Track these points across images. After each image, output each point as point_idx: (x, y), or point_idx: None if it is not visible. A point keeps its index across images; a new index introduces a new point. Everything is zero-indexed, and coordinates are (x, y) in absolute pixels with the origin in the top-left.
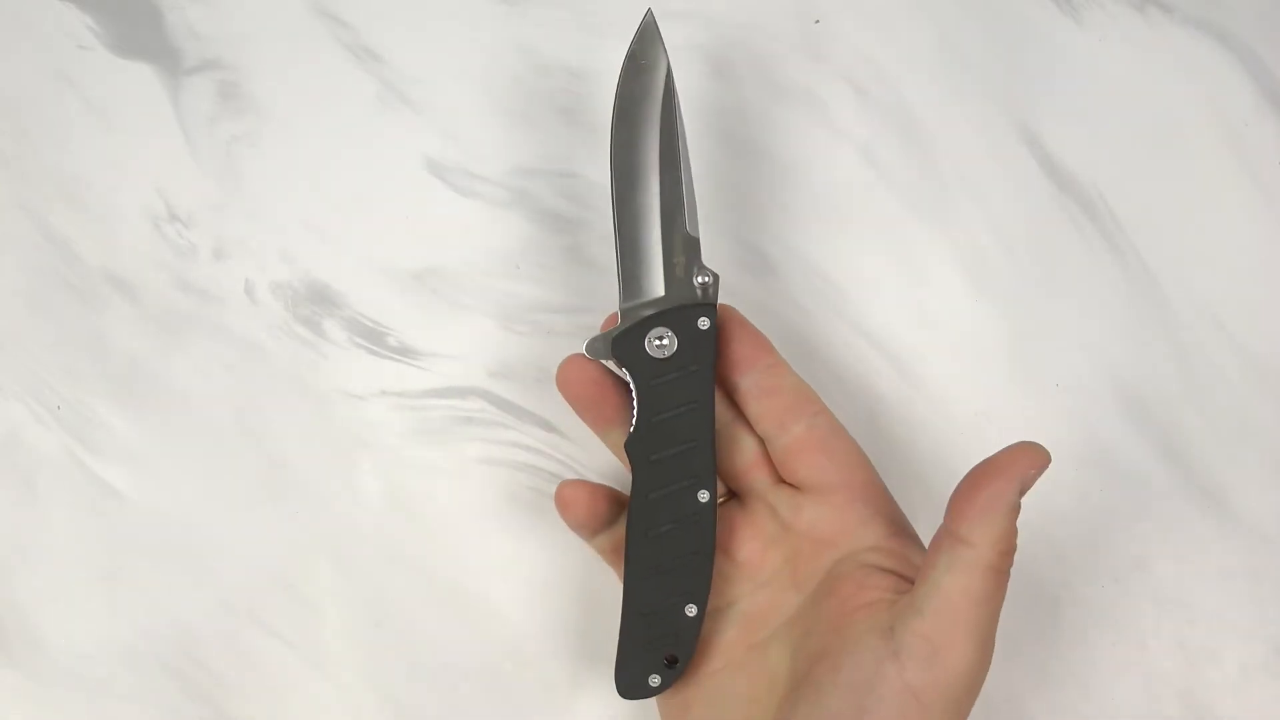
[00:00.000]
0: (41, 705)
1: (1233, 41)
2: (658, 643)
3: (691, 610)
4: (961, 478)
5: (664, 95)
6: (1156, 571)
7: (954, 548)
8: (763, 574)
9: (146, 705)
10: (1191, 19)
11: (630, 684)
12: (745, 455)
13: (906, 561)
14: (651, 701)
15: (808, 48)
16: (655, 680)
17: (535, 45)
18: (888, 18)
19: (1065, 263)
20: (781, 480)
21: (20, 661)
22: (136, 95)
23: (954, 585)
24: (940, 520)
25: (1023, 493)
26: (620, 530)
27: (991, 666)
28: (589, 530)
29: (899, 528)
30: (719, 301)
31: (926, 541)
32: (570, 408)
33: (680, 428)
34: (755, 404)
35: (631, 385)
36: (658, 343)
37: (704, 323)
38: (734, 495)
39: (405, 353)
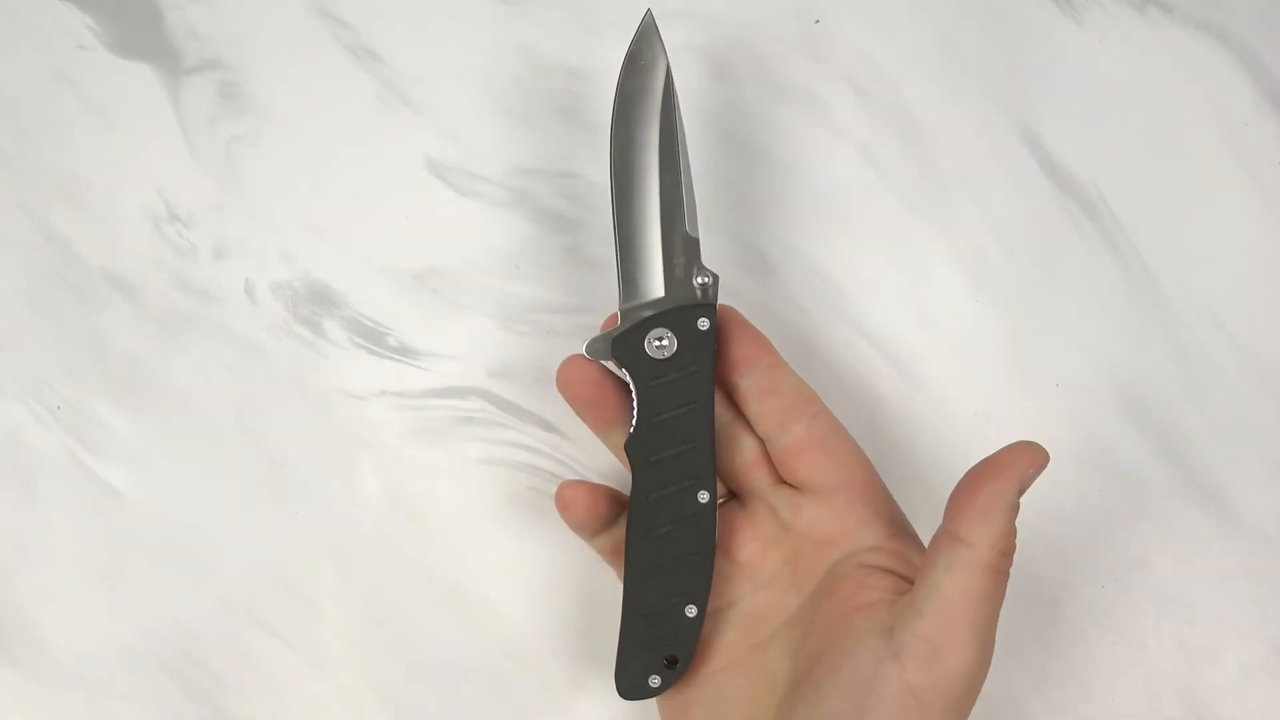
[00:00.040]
0: (41, 705)
1: (1233, 41)
2: (658, 643)
3: (691, 611)
4: (960, 477)
5: (663, 95)
6: (1156, 571)
7: (953, 548)
8: (763, 574)
9: (146, 705)
10: (1191, 19)
11: (630, 684)
12: (745, 456)
13: (906, 562)
14: (651, 702)
15: (808, 48)
16: (655, 681)
17: (535, 45)
18: (888, 18)
19: (1065, 263)
20: (781, 481)
21: (20, 661)
22: (136, 95)
23: (954, 585)
24: (940, 520)
25: (1021, 492)
26: (620, 531)
27: (991, 666)
28: (589, 531)
29: (899, 528)
30: (719, 302)
31: (926, 542)
32: (570, 408)
33: (680, 428)
34: (755, 404)
35: (631, 386)
36: (657, 343)
37: (704, 323)
38: (734, 496)
39: (405, 353)
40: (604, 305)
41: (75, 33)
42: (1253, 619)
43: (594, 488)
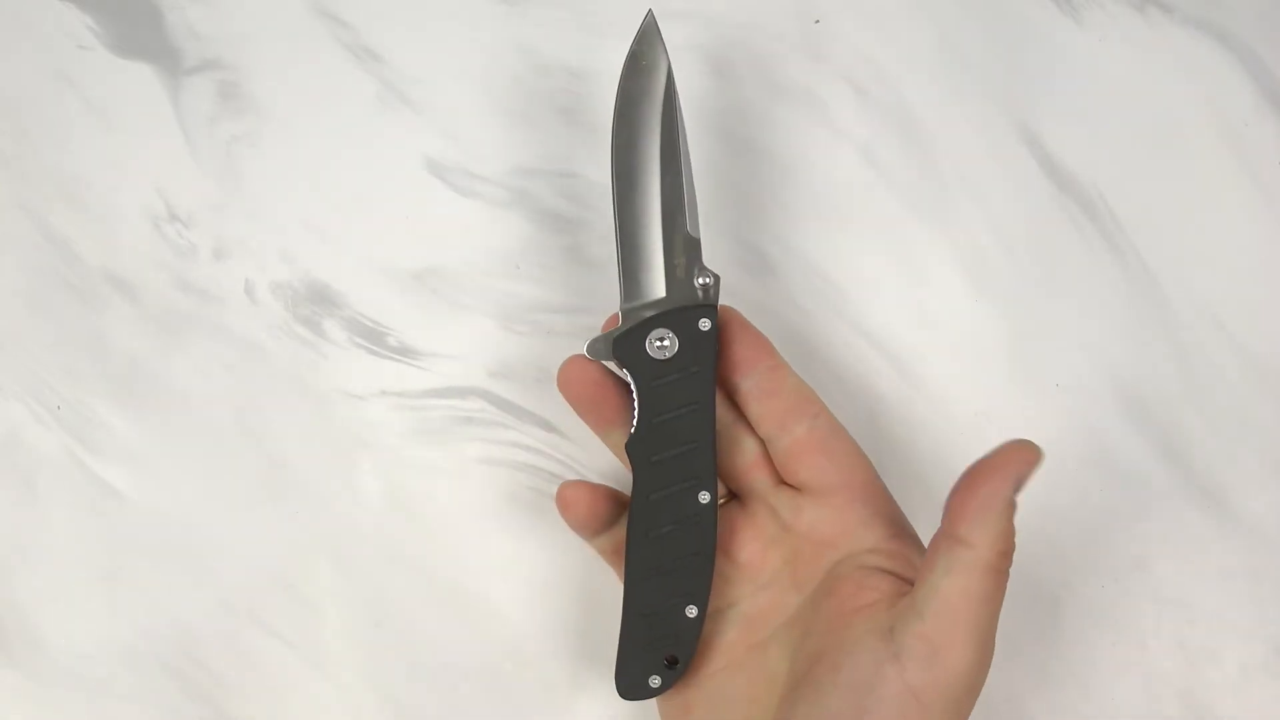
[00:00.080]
0: (41, 705)
1: (1233, 41)
2: (658, 644)
3: (692, 611)
4: (957, 479)
5: (665, 96)
6: (1156, 571)
7: (952, 549)
8: (763, 575)
9: (146, 705)
10: (1191, 19)
11: (630, 685)
12: (746, 456)
13: (906, 563)
14: (652, 702)
15: (808, 48)
16: (655, 681)
17: (535, 45)
18: (888, 18)
19: (1065, 263)
20: (782, 482)
21: (20, 661)
22: (136, 95)
23: (953, 586)
24: (940, 521)
25: (1018, 491)
26: (621, 530)
27: (991, 667)
28: (590, 531)
29: (899, 529)
30: (720, 302)
31: (926, 542)
32: (571, 408)
33: (681, 429)
34: (756, 405)
35: (632, 386)
36: (659, 344)
37: (705, 324)
38: (734, 496)
39: (405, 353)
40: (604, 305)
41: (75, 33)
42: (1253, 619)
43: (594, 487)
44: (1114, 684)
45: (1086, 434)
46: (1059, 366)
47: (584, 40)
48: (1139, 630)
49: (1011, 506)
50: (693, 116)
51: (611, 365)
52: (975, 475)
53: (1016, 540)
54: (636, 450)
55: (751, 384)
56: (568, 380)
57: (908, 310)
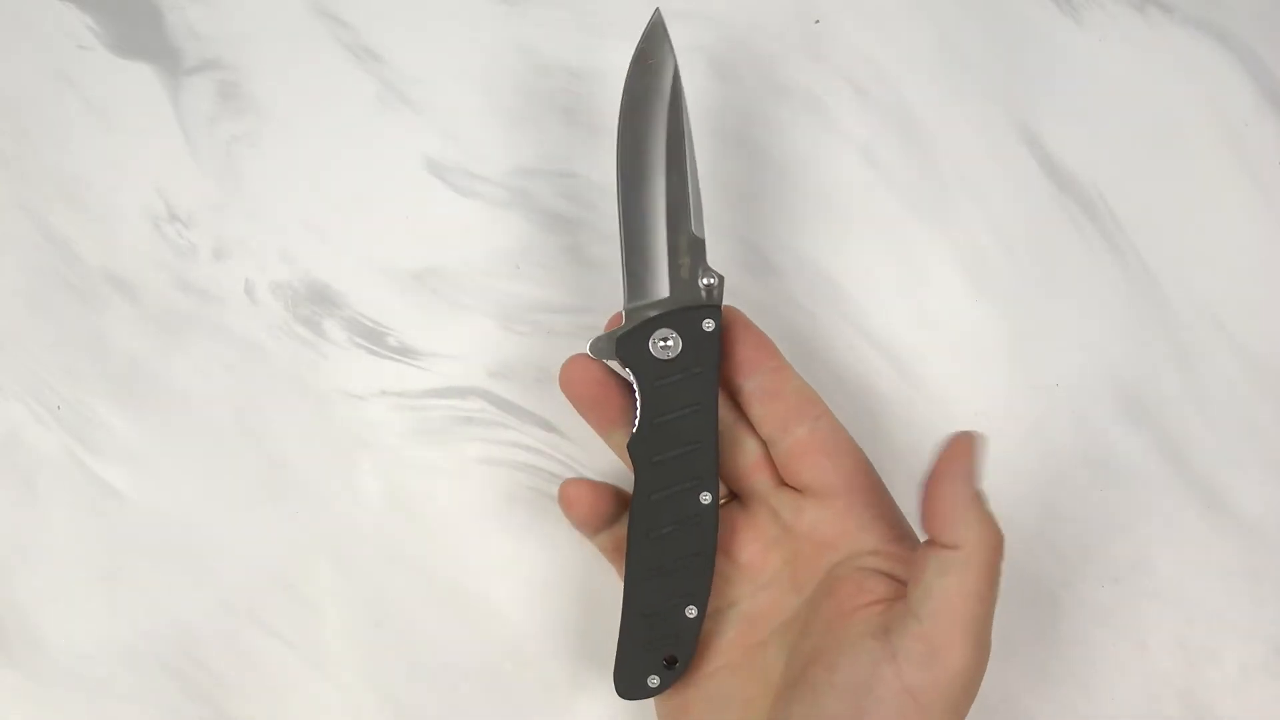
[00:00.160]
0: (41, 705)
1: (1233, 41)
2: (657, 644)
3: (692, 612)
4: (920, 496)
5: (671, 95)
6: (1156, 571)
7: (940, 554)
8: (763, 576)
9: (146, 705)
10: (1191, 19)
11: (629, 685)
12: (747, 457)
13: (906, 565)
14: (650, 701)
15: (808, 48)
16: (654, 681)
17: (535, 45)
18: (888, 18)
19: (1065, 263)
20: (783, 483)
21: (20, 661)
22: (136, 95)
23: (947, 586)
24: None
25: (978, 482)
26: (623, 528)
27: (990, 666)
28: (591, 528)
29: (900, 532)
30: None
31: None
32: (572, 407)
33: (683, 429)
34: (758, 406)
35: (635, 386)
36: (662, 344)
37: (709, 324)
38: (735, 497)
39: (405, 353)
40: (604, 305)
41: (75, 33)
42: (1253, 619)
43: (597, 485)
44: (1114, 684)
45: (1087, 434)
46: (1059, 366)
47: (584, 40)
48: (1139, 630)
49: (980, 498)
50: (692, 116)
51: (614, 364)
52: (933, 485)
53: (1016, 540)
54: (638, 450)
55: (754, 385)
56: (570, 379)
57: (908, 310)
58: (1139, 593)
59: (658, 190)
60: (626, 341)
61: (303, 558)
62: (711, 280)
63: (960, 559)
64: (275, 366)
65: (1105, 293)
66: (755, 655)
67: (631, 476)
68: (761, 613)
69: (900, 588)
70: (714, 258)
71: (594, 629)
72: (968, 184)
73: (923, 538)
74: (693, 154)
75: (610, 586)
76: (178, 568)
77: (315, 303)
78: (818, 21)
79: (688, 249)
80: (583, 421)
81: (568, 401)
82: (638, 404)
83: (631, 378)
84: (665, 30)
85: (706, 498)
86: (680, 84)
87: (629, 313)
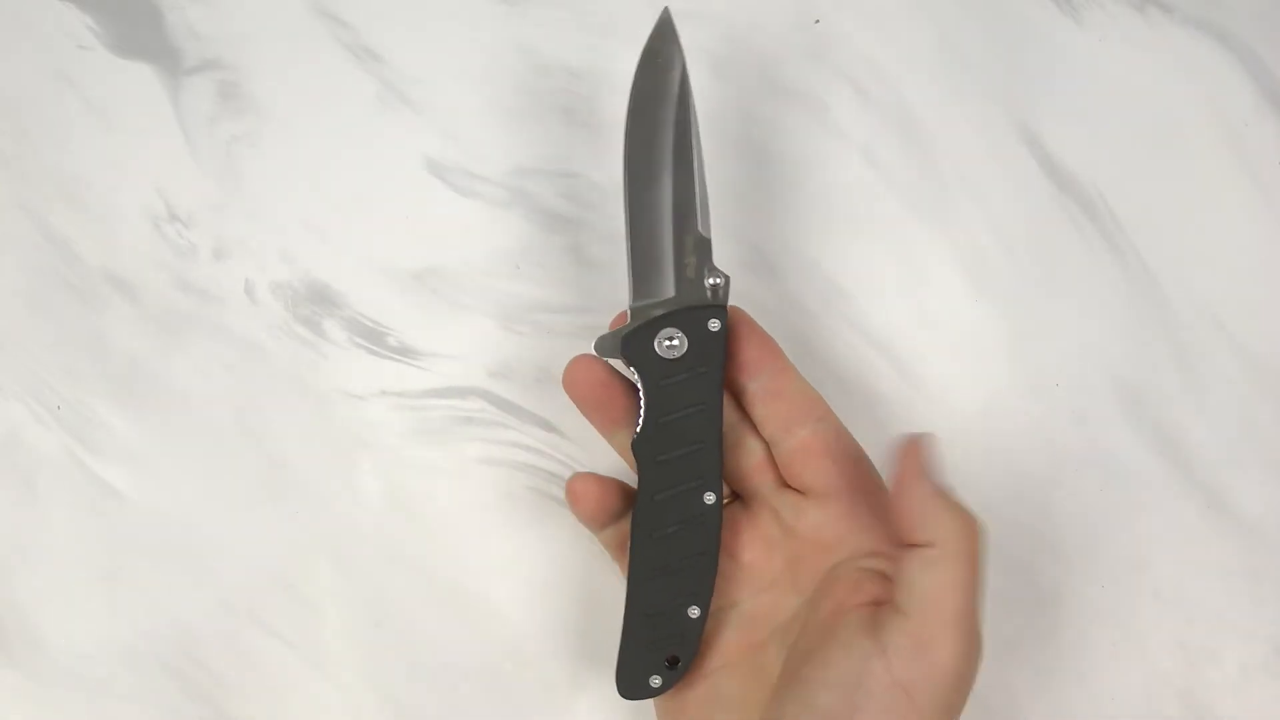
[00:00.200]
0: (41, 705)
1: (1233, 41)
2: (660, 644)
3: (694, 612)
4: (890, 505)
5: (679, 94)
6: (1156, 571)
7: (920, 553)
8: (765, 577)
9: (146, 705)
10: (1191, 19)
11: (631, 685)
12: (750, 458)
13: None
14: (650, 701)
15: (808, 48)
16: (656, 681)
17: (535, 45)
18: (888, 18)
19: (1065, 263)
20: (785, 484)
21: (20, 661)
22: (136, 95)
23: (930, 582)
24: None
25: (938, 476)
26: (628, 524)
27: (990, 666)
28: (598, 524)
29: None
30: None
31: None
32: (575, 408)
33: (688, 429)
34: (761, 407)
35: (639, 385)
36: (668, 343)
37: (715, 324)
38: (737, 497)
39: (405, 353)
40: (604, 305)
41: (75, 33)
42: (1253, 619)
43: (604, 480)
44: (1114, 684)
45: (1086, 434)
46: (1059, 366)
47: (584, 40)
48: (1139, 630)
49: (945, 493)
50: None
51: (618, 364)
52: (896, 491)
53: (1017, 540)
54: (642, 449)
55: (757, 385)
56: (573, 380)
57: (908, 310)
58: (1139, 593)
59: (665, 189)
60: (632, 340)
61: (303, 558)
62: (717, 280)
63: (938, 554)
64: (275, 366)
65: (1105, 293)
66: (755, 656)
67: (633, 476)
68: (762, 613)
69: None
70: (714, 257)
71: (594, 629)
72: (968, 184)
73: None
74: (700, 153)
75: (610, 586)
76: (178, 568)
77: (315, 303)
78: (818, 21)
79: (694, 248)
80: (583, 421)
81: (569, 401)
82: (642, 403)
83: (636, 377)
84: (674, 29)
85: (710, 498)
86: (689, 83)
87: (634, 311)
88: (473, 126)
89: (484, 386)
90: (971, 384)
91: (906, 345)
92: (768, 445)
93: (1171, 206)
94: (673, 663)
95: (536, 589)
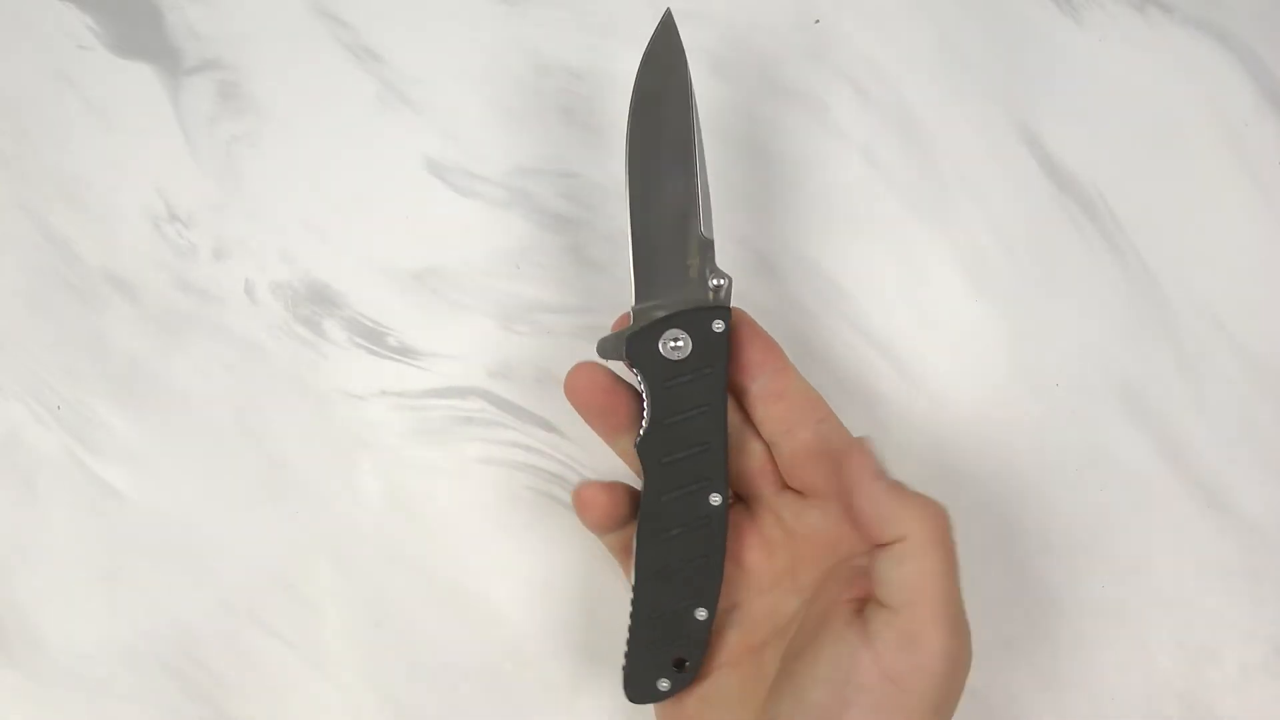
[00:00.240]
0: (41, 705)
1: (1233, 41)
2: (667, 646)
3: (701, 614)
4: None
5: (682, 95)
6: (1156, 571)
7: (890, 550)
8: (766, 579)
9: (146, 705)
10: (1191, 19)
11: (639, 688)
12: (752, 460)
13: None
14: None
15: (808, 48)
16: (664, 684)
17: (535, 45)
18: (888, 18)
19: (1065, 263)
20: (786, 486)
21: (20, 661)
22: (136, 95)
23: (906, 574)
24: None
25: (887, 473)
26: (634, 527)
27: (990, 666)
28: (605, 530)
29: None
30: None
31: None
32: (578, 414)
33: (693, 430)
34: (762, 408)
35: (643, 387)
36: (672, 344)
37: (718, 325)
38: (739, 499)
39: (405, 353)
40: (604, 305)
41: (75, 33)
42: (1253, 619)
43: (612, 487)
44: (1114, 684)
45: (1087, 434)
46: (1059, 366)
47: (584, 40)
48: (1139, 630)
49: (900, 487)
50: None
51: (619, 367)
52: (848, 496)
53: (1017, 540)
54: (647, 451)
55: (759, 387)
56: (575, 387)
57: (908, 310)
58: (1139, 592)
59: (667, 190)
60: (636, 341)
61: (303, 558)
62: (720, 281)
63: (909, 547)
64: (275, 366)
65: (1105, 293)
66: (755, 656)
67: (636, 479)
68: (763, 615)
69: None
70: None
71: (594, 629)
72: (968, 184)
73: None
74: (703, 155)
75: (610, 586)
76: (178, 568)
77: (315, 303)
78: (818, 21)
79: (697, 249)
80: (583, 422)
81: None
82: (646, 405)
83: (639, 378)
84: (676, 30)
85: (716, 499)
86: (691, 84)
87: (637, 313)
88: (473, 126)
89: (484, 386)
90: (971, 384)
91: (906, 345)
92: (768, 447)
93: (1171, 206)
94: (679, 665)
95: (536, 589)
